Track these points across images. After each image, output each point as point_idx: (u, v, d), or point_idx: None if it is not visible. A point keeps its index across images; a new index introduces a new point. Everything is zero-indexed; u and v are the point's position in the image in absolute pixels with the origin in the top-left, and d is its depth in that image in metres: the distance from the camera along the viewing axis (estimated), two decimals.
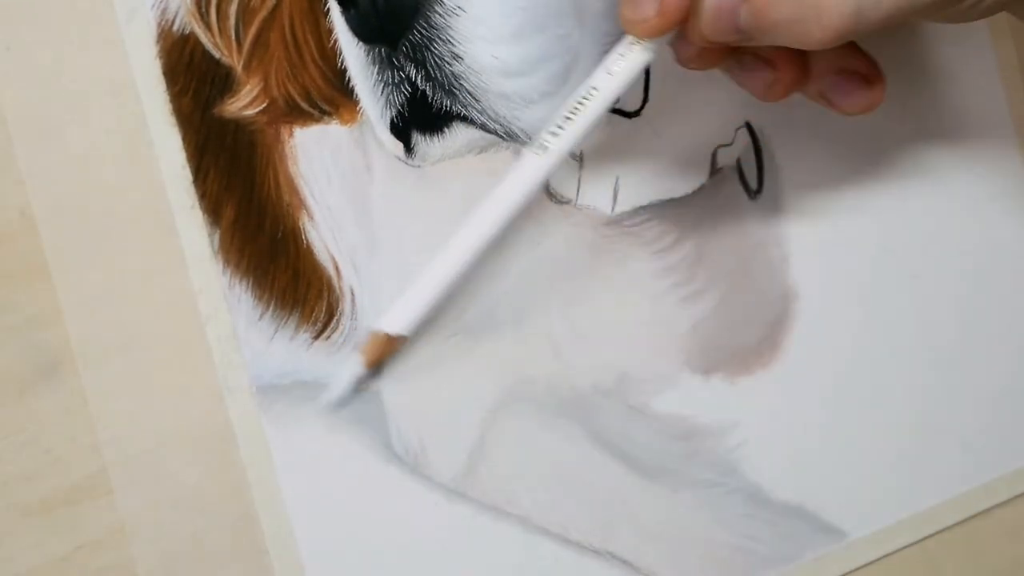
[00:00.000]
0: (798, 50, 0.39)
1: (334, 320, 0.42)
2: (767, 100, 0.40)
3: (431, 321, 0.42)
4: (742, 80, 0.41)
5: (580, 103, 0.39)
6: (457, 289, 0.41)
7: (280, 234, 0.42)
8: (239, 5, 0.41)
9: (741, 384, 0.45)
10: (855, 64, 0.40)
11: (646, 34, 0.38)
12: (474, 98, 0.42)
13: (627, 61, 0.39)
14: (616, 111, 0.44)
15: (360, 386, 0.42)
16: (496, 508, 0.42)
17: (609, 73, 0.39)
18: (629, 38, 0.39)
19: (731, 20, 0.36)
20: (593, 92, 0.39)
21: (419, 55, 0.41)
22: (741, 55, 0.40)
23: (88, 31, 0.40)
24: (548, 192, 0.44)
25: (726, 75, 0.41)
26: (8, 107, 0.39)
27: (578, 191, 0.44)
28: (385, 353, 0.41)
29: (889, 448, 0.45)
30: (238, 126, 0.41)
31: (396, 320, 0.41)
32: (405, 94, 0.41)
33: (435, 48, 0.41)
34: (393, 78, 0.41)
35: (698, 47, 0.39)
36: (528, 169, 0.39)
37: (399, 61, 0.41)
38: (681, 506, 0.44)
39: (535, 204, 0.43)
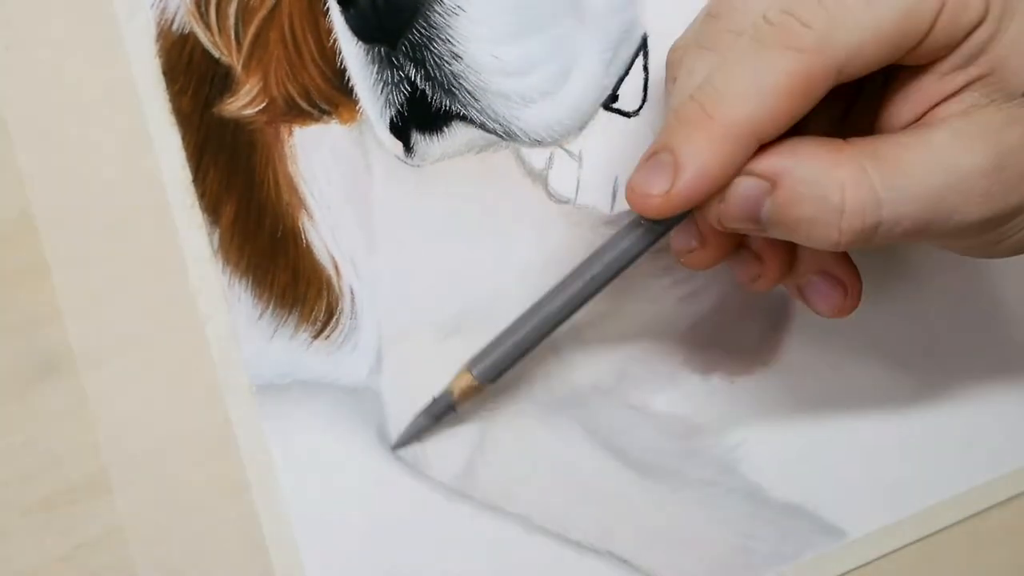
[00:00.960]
0: (788, 247, 0.39)
1: (334, 319, 0.42)
2: (751, 290, 0.41)
3: (432, 322, 0.42)
4: (732, 267, 0.41)
5: None
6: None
7: (280, 233, 0.42)
8: (239, 4, 0.41)
9: (740, 383, 0.45)
10: (838, 270, 0.40)
11: (647, 212, 0.36)
12: (473, 97, 0.42)
13: (620, 243, 0.39)
14: (615, 111, 0.44)
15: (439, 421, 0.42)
16: (496, 508, 0.42)
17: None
18: (634, 217, 0.38)
19: (755, 210, 0.35)
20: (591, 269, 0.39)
21: (418, 54, 0.41)
22: (738, 250, 0.40)
23: (88, 31, 0.40)
24: (548, 192, 0.44)
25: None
26: (8, 107, 0.39)
27: (577, 191, 0.44)
28: (470, 396, 0.41)
29: (889, 448, 0.45)
30: (238, 125, 0.41)
31: (484, 369, 0.41)
32: (404, 93, 0.41)
33: (434, 47, 0.41)
34: (392, 77, 0.41)
35: (699, 242, 0.38)
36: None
37: (398, 60, 0.41)
38: (681, 506, 0.44)
39: (534, 203, 0.43)
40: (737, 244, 0.39)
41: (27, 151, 0.39)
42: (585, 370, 0.43)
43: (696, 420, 0.44)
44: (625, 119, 0.44)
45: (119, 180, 0.40)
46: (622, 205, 0.44)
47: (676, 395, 0.44)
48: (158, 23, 0.41)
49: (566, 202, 0.44)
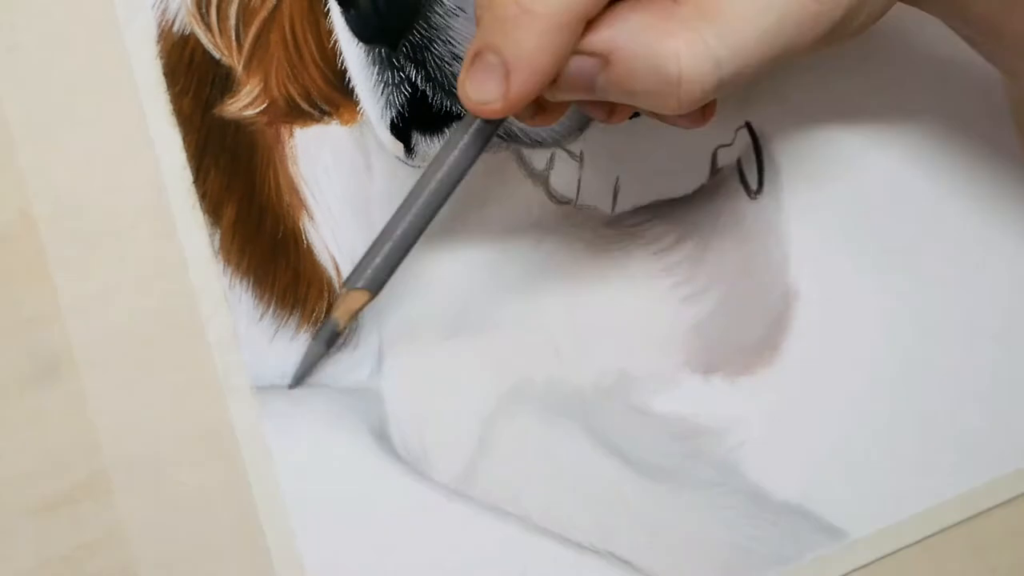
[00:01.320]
0: None
1: None
2: (610, 124, 0.39)
3: (432, 322, 0.42)
4: (583, 110, 0.39)
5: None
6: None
7: (280, 234, 0.42)
8: (239, 6, 0.41)
9: (741, 384, 0.44)
10: None
11: (486, 116, 0.35)
12: None
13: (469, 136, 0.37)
14: None
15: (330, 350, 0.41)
16: (496, 508, 0.42)
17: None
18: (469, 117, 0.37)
19: (588, 85, 0.34)
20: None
21: (419, 55, 0.41)
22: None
23: (88, 31, 0.40)
24: (548, 192, 0.44)
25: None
26: (8, 107, 0.39)
27: (578, 191, 0.44)
28: (355, 312, 0.40)
29: (890, 448, 0.45)
30: (238, 126, 0.41)
31: (365, 280, 0.39)
32: (405, 94, 0.41)
33: (435, 49, 0.41)
34: (393, 78, 0.41)
35: (538, 112, 0.37)
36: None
37: (399, 61, 0.41)
38: (681, 506, 0.43)
39: (535, 204, 0.43)
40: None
41: (27, 151, 0.39)
42: (585, 370, 0.43)
43: (697, 420, 0.44)
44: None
45: (119, 180, 0.40)
46: (623, 205, 0.44)
47: (677, 395, 0.44)
48: (159, 24, 0.41)
49: (567, 202, 0.44)
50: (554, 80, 0.34)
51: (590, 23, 0.34)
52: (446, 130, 0.42)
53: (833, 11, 0.34)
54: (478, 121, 0.36)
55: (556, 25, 0.33)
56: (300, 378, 0.41)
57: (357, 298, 0.39)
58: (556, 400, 0.43)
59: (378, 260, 0.38)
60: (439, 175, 0.37)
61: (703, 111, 0.39)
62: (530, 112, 0.37)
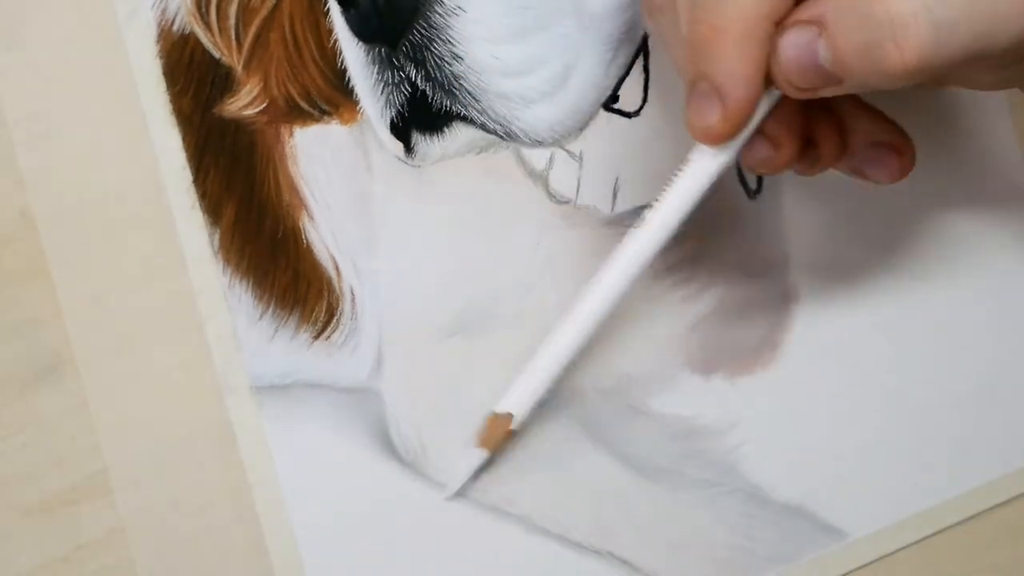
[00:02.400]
0: (839, 130, 0.39)
1: (334, 320, 0.42)
2: (810, 175, 0.41)
3: (432, 322, 0.42)
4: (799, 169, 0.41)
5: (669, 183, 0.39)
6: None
7: (280, 234, 0.42)
8: (239, 5, 0.41)
9: (741, 384, 0.44)
10: (887, 136, 0.40)
11: (714, 142, 0.37)
12: (474, 98, 0.42)
13: (694, 168, 0.38)
14: (616, 111, 0.44)
15: (477, 474, 0.42)
16: (496, 509, 0.42)
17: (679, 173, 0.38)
18: (698, 145, 0.38)
19: (813, 60, 0.35)
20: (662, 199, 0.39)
21: (419, 55, 0.41)
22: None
23: (88, 31, 0.40)
24: (548, 192, 0.44)
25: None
26: (8, 107, 0.39)
27: (578, 191, 0.44)
28: (503, 439, 0.41)
29: (889, 448, 0.45)
30: (238, 126, 0.41)
31: (516, 406, 0.41)
32: (405, 94, 0.41)
33: (435, 48, 0.41)
34: (393, 78, 0.41)
35: (772, 147, 0.38)
36: (632, 245, 0.39)
37: (399, 61, 0.41)
38: (681, 506, 0.43)
39: (535, 204, 0.43)
40: (805, 137, 0.39)
41: (27, 151, 0.39)
42: (585, 370, 0.43)
43: (696, 421, 0.44)
44: (626, 120, 0.44)
45: (119, 180, 0.40)
46: (622, 205, 0.44)
47: (676, 396, 0.44)
48: (159, 24, 0.41)
49: (566, 202, 0.44)
50: (776, 64, 0.35)
51: (794, 7, 0.35)
52: (446, 130, 0.42)
53: None
54: (701, 161, 0.37)
55: (746, 33, 0.34)
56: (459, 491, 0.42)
57: (503, 424, 0.41)
58: (556, 400, 0.43)
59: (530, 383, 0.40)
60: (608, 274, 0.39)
61: (901, 162, 0.40)
62: (760, 152, 0.38)
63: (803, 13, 0.35)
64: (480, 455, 0.41)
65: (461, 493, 0.42)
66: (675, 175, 0.38)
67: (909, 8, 0.33)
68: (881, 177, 0.41)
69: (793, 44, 0.35)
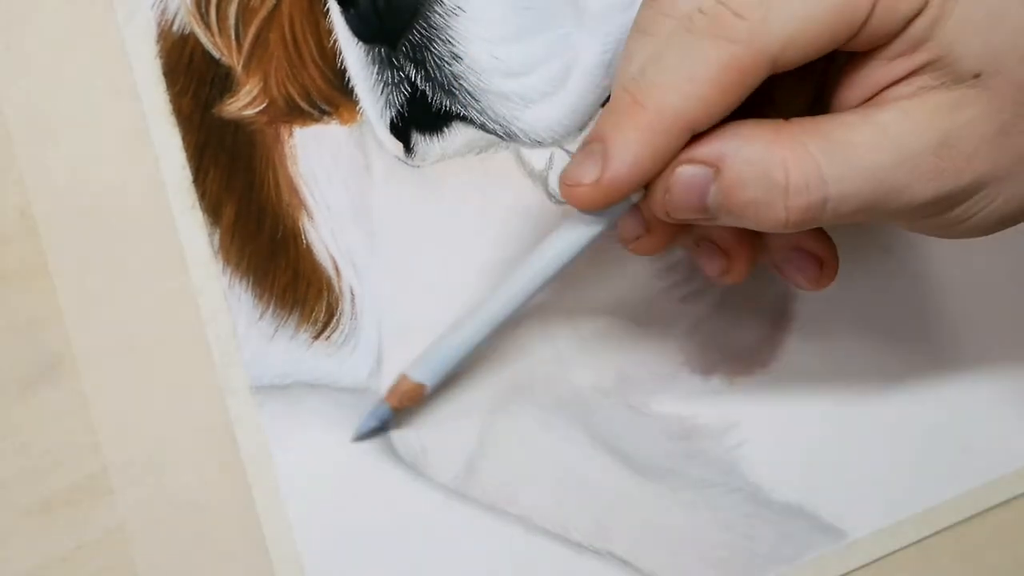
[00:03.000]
0: (751, 236, 0.39)
1: (334, 320, 0.42)
2: (722, 284, 0.40)
3: (432, 322, 0.42)
4: (698, 262, 0.40)
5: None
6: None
7: (280, 234, 0.42)
8: (239, 5, 0.41)
9: (740, 384, 0.45)
10: (811, 244, 0.40)
11: (578, 203, 0.36)
12: (473, 98, 0.42)
13: (561, 237, 0.38)
14: None
15: (384, 426, 0.42)
16: (496, 508, 0.42)
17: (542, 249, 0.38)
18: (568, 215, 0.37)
19: (701, 198, 0.35)
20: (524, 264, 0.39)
21: (419, 55, 0.41)
22: (700, 240, 0.40)
23: (88, 31, 0.40)
24: (548, 192, 0.44)
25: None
26: (8, 107, 0.39)
27: None
28: (409, 399, 0.41)
29: (889, 448, 0.45)
30: (238, 126, 0.41)
31: (423, 370, 0.41)
32: (405, 94, 0.41)
33: (435, 48, 0.41)
34: (393, 78, 0.41)
35: (644, 229, 0.38)
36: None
37: (399, 61, 0.41)
38: (681, 506, 0.43)
39: (535, 204, 0.43)
40: (681, 229, 0.39)
41: (27, 151, 0.39)
42: (585, 370, 0.43)
43: (696, 421, 0.44)
44: None
45: (119, 180, 0.40)
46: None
47: (676, 396, 0.44)
48: (158, 24, 0.41)
49: (566, 202, 0.44)
50: (666, 191, 0.35)
51: (702, 136, 0.35)
52: (446, 130, 0.42)
53: (958, 175, 0.34)
54: (584, 221, 0.37)
55: (663, 125, 0.34)
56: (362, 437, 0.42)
57: (415, 388, 0.41)
58: (556, 400, 0.43)
59: (441, 353, 0.40)
60: (519, 277, 0.39)
61: (821, 273, 0.40)
62: (636, 228, 0.38)
63: (704, 149, 0.35)
64: (385, 408, 0.41)
65: (362, 439, 0.42)
66: (545, 239, 0.38)
67: (805, 178, 0.34)
68: (799, 283, 0.40)
69: (689, 179, 0.35)
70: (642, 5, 0.37)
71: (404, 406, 0.41)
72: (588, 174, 0.35)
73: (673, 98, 0.34)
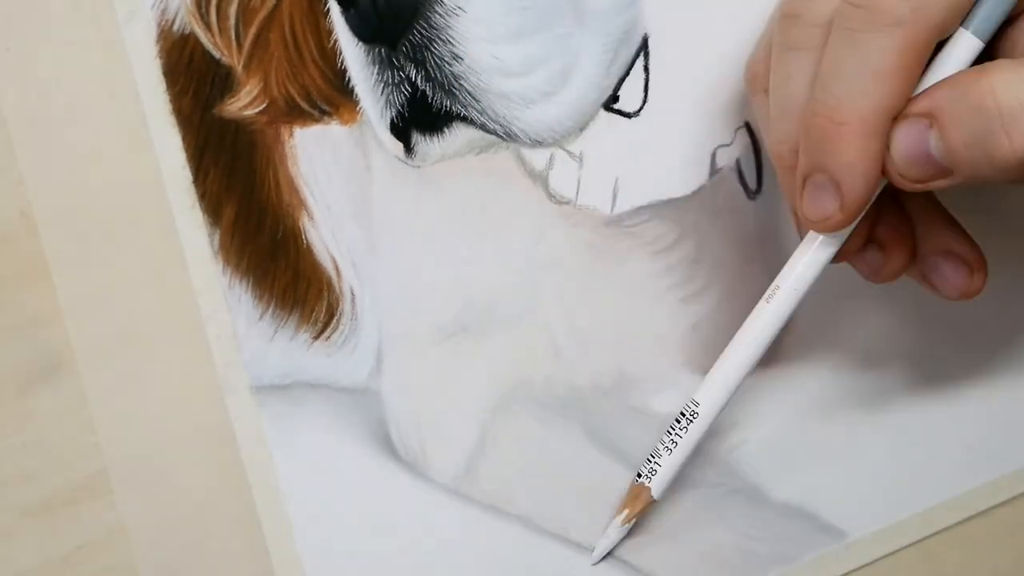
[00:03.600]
0: (908, 233, 0.40)
1: (334, 320, 0.42)
2: (876, 282, 0.41)
3: (432, 322, 0.42)
4: (855, 264, 0.41)
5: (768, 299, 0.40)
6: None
7: (280, 234, 0.42)
8: (239, 5, 0.41)
9: (740, 384, 0.44)
10: (960, 248, 0.40)
11: (831, 231, 0.38)
12: (474, 98, 0.42)
13: (810, 257, 0.39)
14: (616, 111, 0.44)
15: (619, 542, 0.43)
16: (496, 508, 0.42)
17: (792, 269, 0.39)
18: (809, 234, 0.39)
19: (924, 151, 0.35)
20: (776, 291, 0.40)
21: (419, 55, 0.41)
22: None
23: (88, 31, 0.40)
24: (548, 192, 0.44)
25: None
26: (8, 107, 0.39)
27: (578, 191, 0.44)
28: (645, 511, 0.42)
29: (889, 448, 0.45)
30: (238, 126, 0.41)
31: (660, 485, 0.42)
32: (405, 94, 0.41)
33: (435, 48, 0.41)
34: (393, 78, 0.41)
35: (881, 252, 0.40)
36: (747, 333, 0.40)
37: (399, 61, 0.41)
38: (681, 506, 0.44)
39: (535, 204, 0.43)
40: (869, 237, 0.40)
41: (27, 151, 0.39)
42: (585, 370, 0.43)
43: None
44: (626, 120, 0.44)
45: (119, 180, 0.40)
46: (622, 205, 0.44)
47: (676, 396, 0.44)
48: (158, 24, 0.41)
49: (567, 203, 0.44)
50: (889, 160, 0.36)
51: (910, 99, 0.36)
52: (446, 130, 0.42)
53: None
54: (814, 248, 0.39)
55: (868, 129, 0.35)
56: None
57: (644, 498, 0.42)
58: (555, 400, 0.43)
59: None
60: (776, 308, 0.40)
61: (970, 281, 0.41)
62: (874, 259, 0.40)
63: (914, 107, 0.35)
64: (622, 529, 0.42)
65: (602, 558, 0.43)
66: (789, 265, 0.39)
67: (1017, 99, 0.34)
68: (947, 291, 0.41)
69: (905, 136, 0.36)
70: (779, 25, 0.38)
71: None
72: (828, 206, 0.36)
73: (867, 102, 0.35)
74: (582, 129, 0.44)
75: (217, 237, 0.41)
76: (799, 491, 0.44)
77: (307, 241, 0.42)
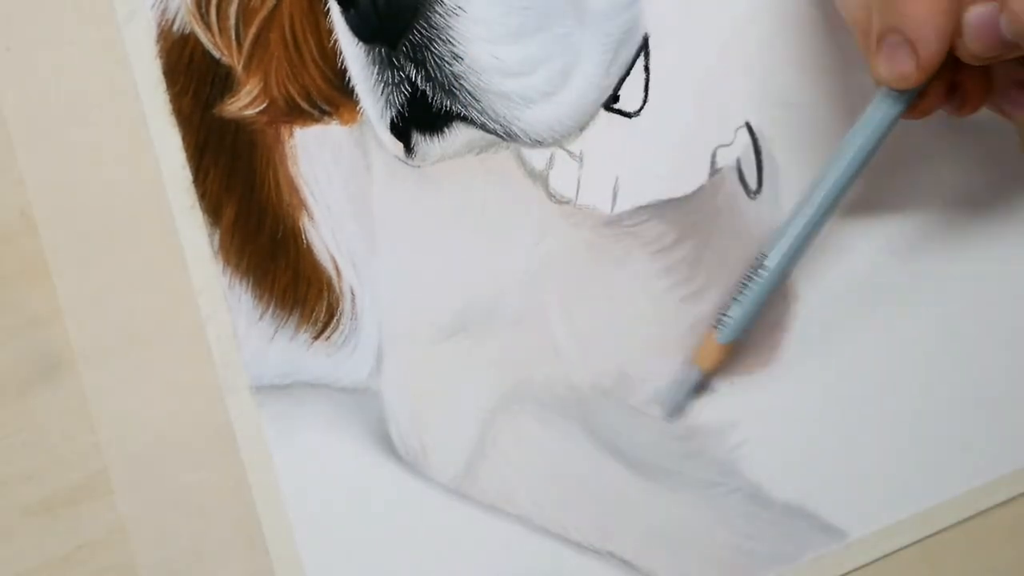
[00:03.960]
0: (984, 72, 0.41)
1: (334, 320, 0.42)
2: (960, 116, 0.42)
3: (432, 322, 0.42)
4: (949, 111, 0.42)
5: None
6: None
7: (280, 234, 0.42)
8: (239, 5, 0.41)
9: (740, 384, 0.44)
10: None
11: (907, 87, 0.39)
12: (474, 98, 0.42)
13: (882, 112, 0.40)
14: (616, 111, 0.44)
15: (696, 392, 0.43)
16: (496, 508, 0.42)
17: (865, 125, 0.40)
18: (882, 90, 0.40)
19: (995, 32, 0.37)
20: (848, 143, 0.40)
21: (419, 55, 0.41)
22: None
23: (88, 31, 0.40)
24: (548, 192, 0.44)
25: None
26: (8, 107, 0.39)
27: (578, 191, 0.44)
28: (720, 360, 0.43)
29: (889, 448, 0.45)
30: (238, 126, 0.41)
31: (727, 333, 0.42)
32: (405, 94, 0.41)
33: (435, 48, 0.41)
34: (393, 78, 0.41)
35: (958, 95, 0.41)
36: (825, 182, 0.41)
37: (399, 61, 0.41)
38: (681, 506, 0.43)
39: (535, 204, 0.43)
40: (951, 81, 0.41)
41: (27, 151, 0.39)
42: (585, 370, 0.43)
43: (696, 421, 0.44)
44: (626, 119, 0.44)
45: (119, 180, 0.40)
46: (622, 205, 0.44)
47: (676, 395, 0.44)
48: (159, 24, 0.41)
49: (567, 202, 0.44)
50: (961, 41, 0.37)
51: None
52: (446, 130, 0.42)
53: None
54: (885, 106, 0.40)
55: None
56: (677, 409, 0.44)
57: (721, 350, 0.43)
58: (555, 400, 0.43)
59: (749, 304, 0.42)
60: (847, 159, 0.41)
61: None
62: (942, 99, 0.41)
63: None
64: (695, 372, 0.43)
65: (675, 412, 0.43)
66: (859, 121, 0.40)
67: None
68: (1021, 116, 0.42)
69: (977, 18, 0.37)
70: None
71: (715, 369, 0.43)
72: (906, 63, 0.38)
73: None
74: (582, 129, 0.44)
75: (217, 237, 0.41)
76: (799, 491, 0.44)
77: (307, 241, 0.42)
